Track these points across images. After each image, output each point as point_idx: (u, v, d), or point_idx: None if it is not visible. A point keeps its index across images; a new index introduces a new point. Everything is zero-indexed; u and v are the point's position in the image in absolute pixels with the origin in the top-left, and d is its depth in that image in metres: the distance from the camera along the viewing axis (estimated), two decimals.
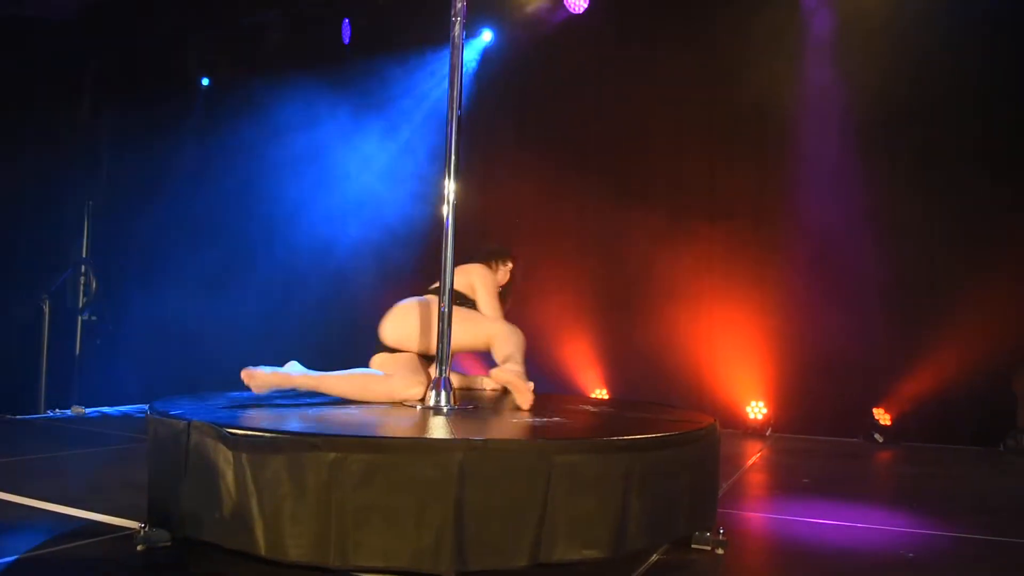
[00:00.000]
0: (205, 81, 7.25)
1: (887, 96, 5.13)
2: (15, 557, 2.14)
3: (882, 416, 5.16)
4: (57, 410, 5.53)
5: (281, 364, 2.89)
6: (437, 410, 2.59)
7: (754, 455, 4.57)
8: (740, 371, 5.52)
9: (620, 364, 5.96)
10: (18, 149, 6.48)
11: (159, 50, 6.66)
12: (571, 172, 6.03)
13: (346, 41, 6.58)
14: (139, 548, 2.22)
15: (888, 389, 5.16)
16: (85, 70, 6.60)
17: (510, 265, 3.56)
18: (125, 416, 5.44)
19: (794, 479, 3.92)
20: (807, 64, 5.44)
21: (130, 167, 6.77)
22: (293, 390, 2.84)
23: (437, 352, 2.68)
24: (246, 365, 2.78)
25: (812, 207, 5.39)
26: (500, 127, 6.39)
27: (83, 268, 6.14)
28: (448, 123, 2.77)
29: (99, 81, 6.61)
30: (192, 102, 7.28)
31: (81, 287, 6.15)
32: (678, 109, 5.76)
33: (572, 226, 6.13)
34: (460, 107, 2.78)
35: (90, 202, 6.36)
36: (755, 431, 5.44)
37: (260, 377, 2.77)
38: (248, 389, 2.79)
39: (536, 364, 5.88)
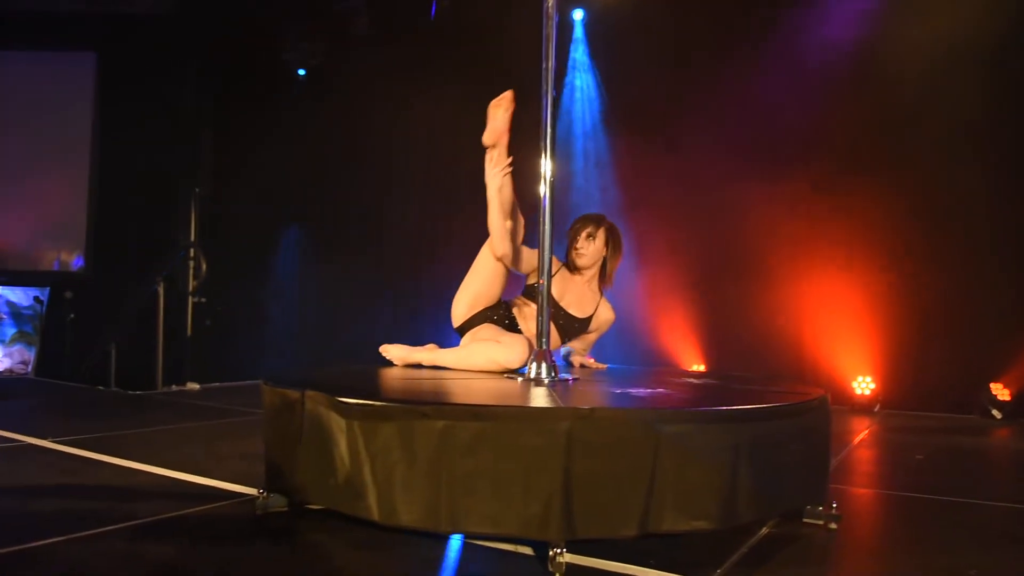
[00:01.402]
0: (301, 72, 7.46)
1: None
2: (144, 520, 2.27)
3: (1000, 391, 4.89)
4: (173, 386, 5.84)
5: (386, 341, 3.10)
6: (539, 381, 2.59)
7: (862, 431, 4.41)
8: (845, 344, 5.32)
9: (719, 338, 5.85)
10: (130, 141, 6.84)
11: (256, 42, 6.87)
12: (667, 143, 5.92)
13: (432, 17, 6.68)
14: (258, 513, 2.32)
15: (1007, 362, 4.88)
16: (188, 63, 6.89)
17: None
18: (236, 391, 5.68)
19: (906, 455, 3.77)
20: (921, 11, 5.13)
21: (233, 155, 7.05)
22: (418, 364, 3.09)
23: (537, 326, 2.69)
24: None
25: (924, 165, 5.12)
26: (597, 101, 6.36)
27: (192, 252, 6.43)
28: (544, 97, 2.74)
29: (201, 74, 6.89)
30: (289, 90, 7.48)
31: (191, 270, 6.44)
32: (776, 73, 5.53)
33: (670, 198, 6.01)
34: (553, 83, 2.76)
35: (197, 189, 6.66)
36: (862, 407, 5.25)
37: (392, 351, 3.14)
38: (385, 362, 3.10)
39: (633, 337, 5.90)
